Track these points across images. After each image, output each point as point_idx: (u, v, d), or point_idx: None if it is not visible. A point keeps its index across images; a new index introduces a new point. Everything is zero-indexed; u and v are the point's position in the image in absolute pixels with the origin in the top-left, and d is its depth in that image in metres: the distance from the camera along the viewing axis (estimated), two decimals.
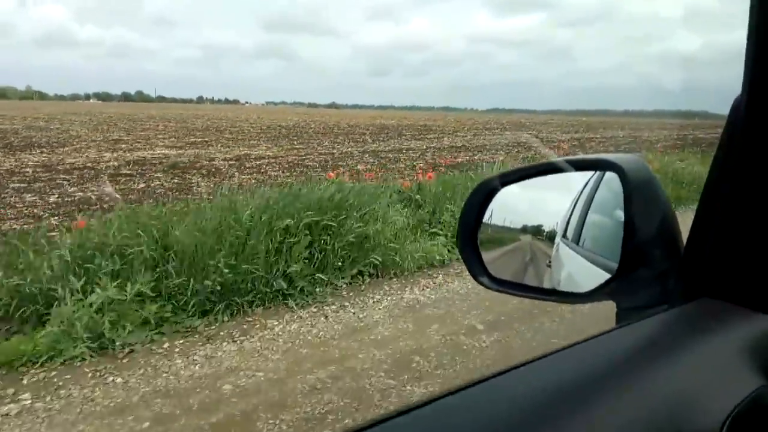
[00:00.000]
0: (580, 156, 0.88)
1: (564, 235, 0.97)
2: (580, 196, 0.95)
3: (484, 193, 0.88)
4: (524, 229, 0.95)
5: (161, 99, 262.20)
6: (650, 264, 0.70)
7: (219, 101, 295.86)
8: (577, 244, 0.96)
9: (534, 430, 0.41)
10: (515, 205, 0.93)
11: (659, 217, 0.71)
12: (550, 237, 0.94)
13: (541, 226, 0.96)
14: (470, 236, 0.89)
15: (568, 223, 0.97)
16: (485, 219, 0.90)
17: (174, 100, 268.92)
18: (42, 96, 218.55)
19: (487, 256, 0.90)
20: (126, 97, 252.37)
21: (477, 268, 0.88)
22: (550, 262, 0.93)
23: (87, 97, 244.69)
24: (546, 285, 0.93)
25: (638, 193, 0.70)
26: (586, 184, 0.93)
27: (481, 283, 0.86)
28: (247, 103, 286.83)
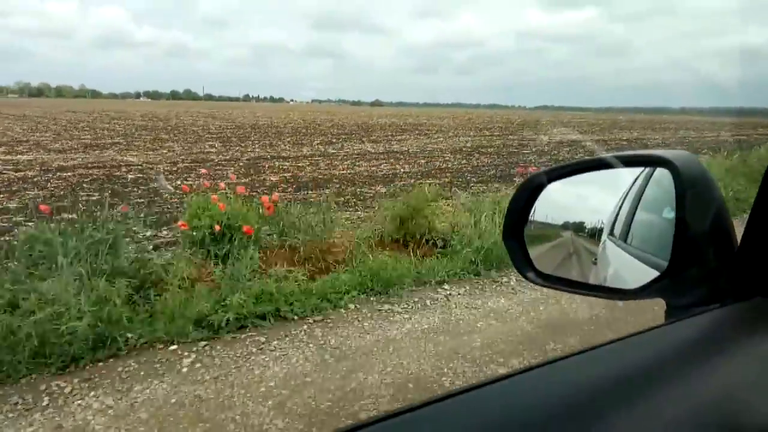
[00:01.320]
0: (631, 152, 0.87)
1: (611, 233, 0.96)
2: (628, 193, 0.94)
3: (531, 188, 0.88)
4: (571, 226, 0.95)
5: (209, 97, 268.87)
6: (702, 262, 0.69)
7: (264, 99, 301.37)
8: (625, 241, 0.94)
9: (579, 423, 0.42)
10: (563, 202, 0.92)
11: (712, 215, 0.69)
12: (597, 234, 0.93)
13: (587, 223, 0.95)
14: (516, 231, 0.88)
15: (615, 220, 0.96)
16: (537, 216, 0.89)
17: (221, 98, 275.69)
18: (96, 94, 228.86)
19: (534, 251, 0.90)
20: (174, 95, 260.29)
21: (523, 264, 0.87)
22: (596, 259, 0.92)
23: (137, 95, 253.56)
24: (593, 281, 0.91)
25: (691, 189, 0.69)
26: (635, 181, 0.92)
27: (527, 278, 0.86)
28: (292, 101, 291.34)
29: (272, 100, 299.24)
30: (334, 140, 22.29)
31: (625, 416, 0.43)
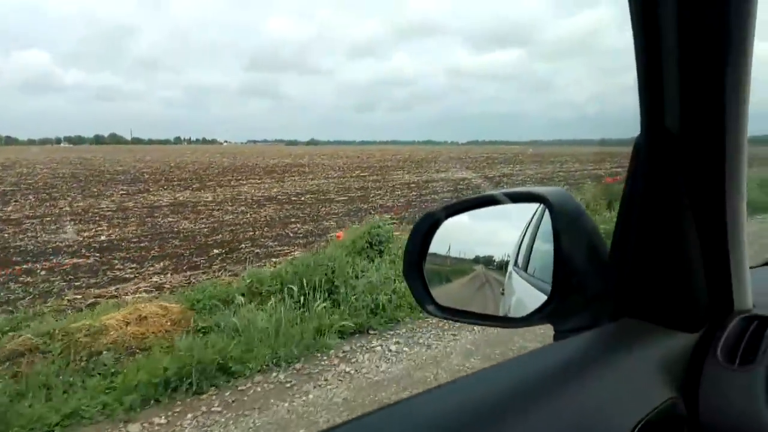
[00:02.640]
0: (514, 189, 0.91)
1: (516, 263, 1.00)
2: (529, 225, 0.98)
3: (429, 224, 0.91)
4: (478, 260, 0.99)
5: (136, 141, 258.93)
6: (581, 288, 0.75)
7: (197, 141, 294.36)
8: (526, 271, 0.98)
9: None
10: (468, 237, 0.98)
11: (586, 244, 0.76)
12: (505, 266, 0.98)
13: (495, 256, 0.99)
14: (416, 265, 0.91)
15: (519, 251, 1.00)
16: (436, 250, 0.92)
17: (151, 141, 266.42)
18: (10, 141, 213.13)
19: (445, 287, 0.94)
20: (98, 140, 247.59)
21: (424, 297, 0.90)
22: (503, 289, 0.96)
23: (58, 141, 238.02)
24: (501, 311, 0.96)
25: (564, 222, 0.75)
26: (534, 213, 0.94)
27: (428, 312, 0.89)
28: (225, 142, 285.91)
29: (205, 141, 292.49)
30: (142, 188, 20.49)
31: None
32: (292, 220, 12.36)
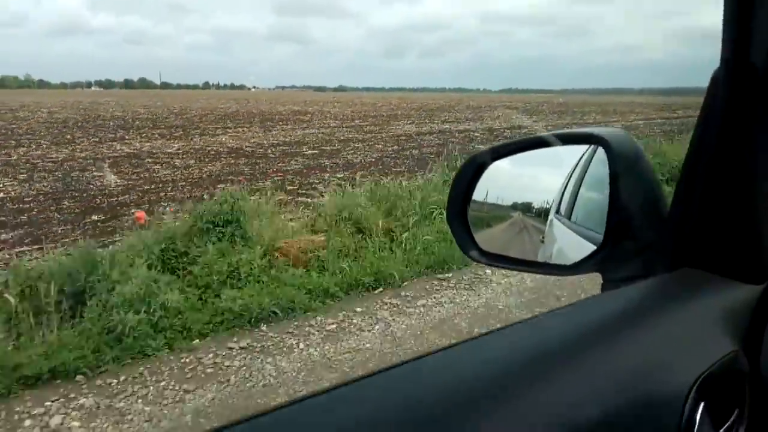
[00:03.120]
0: (570, 130, 0.86)
1: (558, 211, 0.97)
2: (573, 171, 0.94)
3: (474, 168, 0.88)
4: (520, 206, 0.96)
5: (165, 85, 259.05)
6: (635, 236, 0.72)
7: (225, 86, 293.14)
8: (569, 219, 0.96)
9: (513, 392, 0.43)
10: (509, 182, 0.94)
11: (644, 190, 0.72)
12: (545, 213, 0.95)
13: (535, 202, 0.96)
14: (460, 211, 0.89)
15: (561, 198, 0.98)
16: (478, 196, 0.89)
17: (179, 86, 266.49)
18: (43, 84, 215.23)
19: (485, 232, 0.91)
20: (128, 84, 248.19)
21: (467, 243, 0.88)
22: (543, 237, 0.94)
23: (88, 84, 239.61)
24: (540, 259, 0.94)
25: (623, 166, 0.71)
26: (580, 159, 0.91)
27: (471, 257, 0.87)
28: (254, 87, 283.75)
29: (233, 87, 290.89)
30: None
31: (558, 382, 0.45)
32: (230, 178, 10.59)
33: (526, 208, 0.96)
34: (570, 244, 0.91)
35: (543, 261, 0.94)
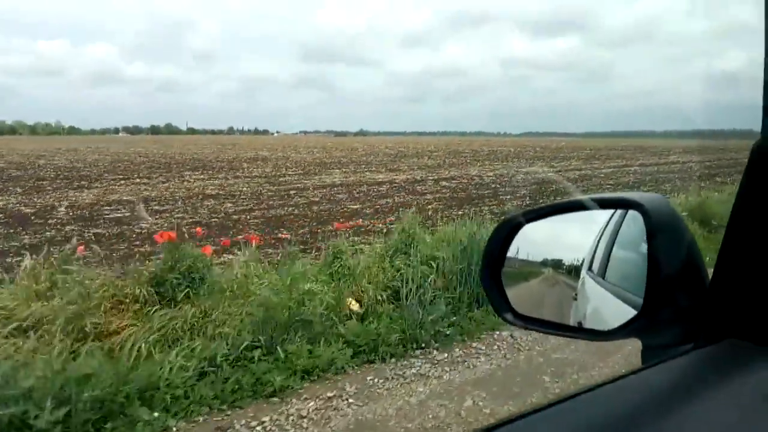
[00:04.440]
0: (605, 194, 0.87)
1: (590, 269, 0.96)
2: (605, 230, 0.94)
3: (508, 229, 0.89)
4: (548, 263, 0.95)
5: (192, 131, 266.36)
6: (676, 302, 0.71)
7: (249, 131, 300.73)
8: (603, 278, 0.95)
9: None
10: (539, 238, 0.93)
11: (683, 255, 0.71)
12: (574, 270, 0.93)
13: (565, 260, 0.95)
14: (494, 272, 0.89)
15: (594, 256, 0.97)
16: (510, 254, 0.89)
17: (205, 132, 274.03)
18: (73, 131, 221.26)
19: (516, 288, 0.90)
20: (154, 130, 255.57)
21: (501, 305, 0.87)
22: (576, 295, 0.92)
23: (116, 131, 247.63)
24: (572, 318, 0.92)
25: (661, 231, 0.71)
26: (611, 218, 0.92)
27: (505, 320, 0.86)
28: (277, 132, 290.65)
29: (257, 132, 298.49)
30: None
31: None
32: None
33: (556, 264, 0.95)
34: (605, 305, 0.90)
35: (577, 323, 0.92)
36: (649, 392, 0.56)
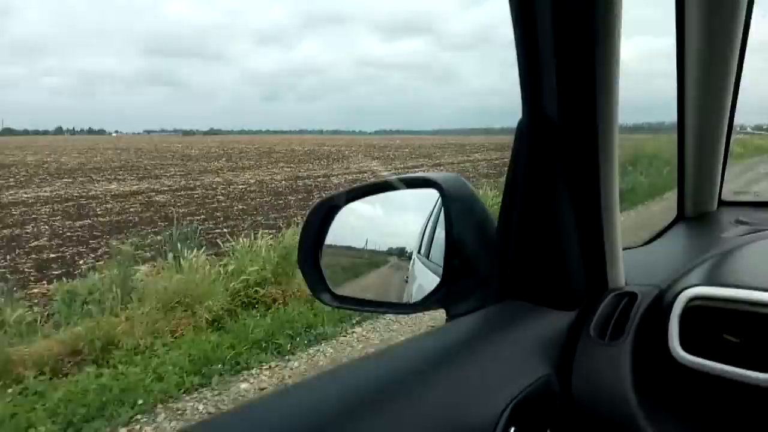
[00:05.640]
0: (410, 174, 0.92)
1: (419, 250, 1.01)
2: (432, 212, 0.98)
3: (325, 210, 0.89)
4: (391, 251, 0.99)
5: (7, 131, 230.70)
6: (473, 272, 0.77)
7: (82, 131, 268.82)
8: (428, 257, 0.99)
9: (358, 422, 0.46)
10: (376, 228, 0.99)
11: (478, 229, 0.79)
12: (410, 254, 0.98)
13: (402, 243, 0.99)
14: (311, 253, 0.89)
15: (422, 238, 1.01)
16: (334, 241, 0.90)
17: (26, 132, 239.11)
18: None
19: (362, 279, 0.96)
20: None
21: (318, 285, 0.88)
22: (407, 277, 0.97)
23: None
24: (405, 298, 0.96)
25: (456, 207, 0.78)
26: (437, 200, 0.94)
27: (322, 300, 0.88)
28: (116, 132, 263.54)
29: (91, 131, 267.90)
30: None
31: (386, 417, 0.48)
32: None
33: (400, 251, 0.99)
34: (427, 282, 0.95)
35: (405, 301, 0.96)
36: (428, 352, 0.59)
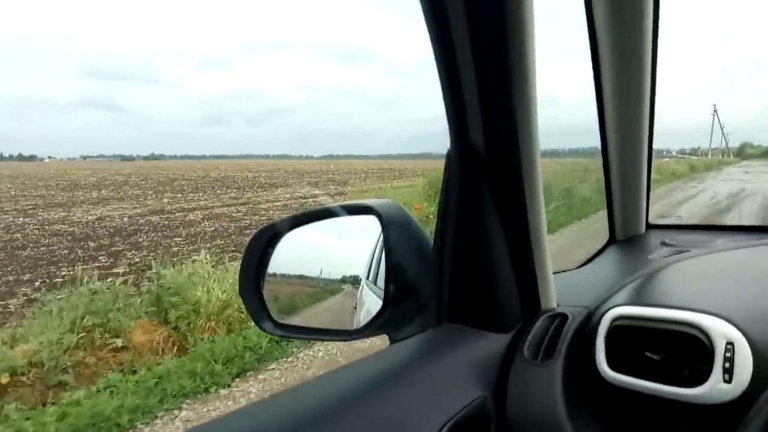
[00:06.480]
0: (350, 201, 0.93)
1: (367, 276, 1.00)
2: (378, 238, 0.97)
3: (268, 237, 0.89)
4: (345, 279, 0.98)
5: None
6: (413, 297, 0.78)
7: (11, 157, 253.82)
8: (375, 283, 0.98)
9: None
10: (317, 253, 0.97)
11: (416, 253, 0.79)
12: (357, 280, 0.98)
13: (347, 270, 0.98)
14: (253, 281, 0.88)
15: (371, 264, 1.01)
16: (277, 269, 0.90)
17: None
18: None
19: (314, 308, 0.94)
20: None
21: (259, 314, 0.87)
22: (356, 304, 0.96)
23: None
24: (355, 326, 0.94)
25: (395, 233, 0.78)
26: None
27: (264, 329, 0.87)
28: (49, 158, 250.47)
29: (21, 158, 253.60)
30: None
31: None
32: None
33: (354, 279, 0.98)
34: (373, 307, 0.94)
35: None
36: (365, 378, 0.59)
